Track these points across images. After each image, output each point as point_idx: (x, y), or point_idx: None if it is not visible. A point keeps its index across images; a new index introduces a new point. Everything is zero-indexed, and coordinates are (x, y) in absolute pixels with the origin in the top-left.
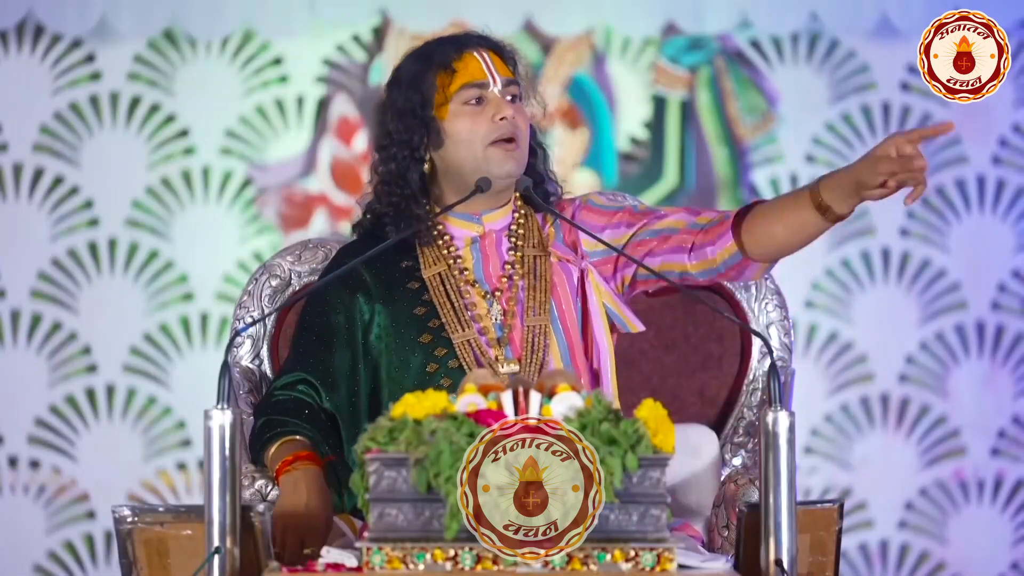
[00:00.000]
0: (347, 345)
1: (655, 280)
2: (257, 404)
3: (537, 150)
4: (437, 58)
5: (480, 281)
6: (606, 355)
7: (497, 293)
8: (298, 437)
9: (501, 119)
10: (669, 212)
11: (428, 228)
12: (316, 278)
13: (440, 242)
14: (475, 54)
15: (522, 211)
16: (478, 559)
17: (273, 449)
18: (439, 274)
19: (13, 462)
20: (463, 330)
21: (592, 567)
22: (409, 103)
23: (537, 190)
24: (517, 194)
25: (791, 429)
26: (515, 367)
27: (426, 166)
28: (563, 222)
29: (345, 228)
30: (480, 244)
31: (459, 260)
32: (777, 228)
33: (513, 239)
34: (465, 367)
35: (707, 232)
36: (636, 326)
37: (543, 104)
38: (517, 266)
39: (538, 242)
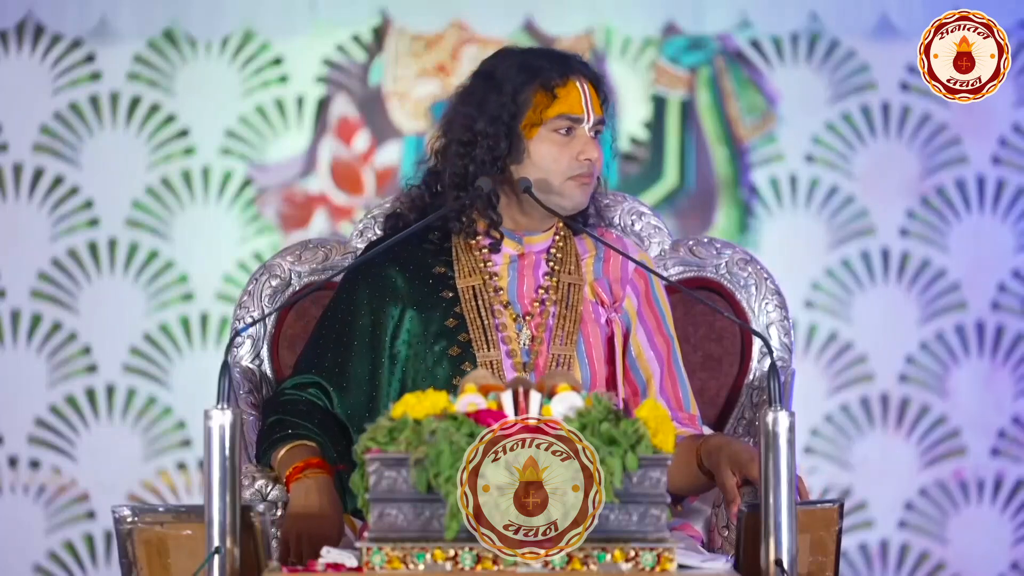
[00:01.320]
0: (369, 349)
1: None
2: (266, 400)
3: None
4: (541, 76)
5: (513, 303)
6: (618, 399)
7: (528, 317)
8: (308, 443)
9: (586, 159)
10: (667, 376)
11: (497, 240)
12: (316, 278)
13: (477, 254)
14: (578, 84)
15: (562, 233)
16: (478, 559)
17: (283, 452)
18: (473, 287)
19: (13, 462)
20: (488, 349)
21: (592, 567)
22: (502, 110)
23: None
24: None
25: (791, 429)
26: None
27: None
28: (607, 256)
29: (345, 228)
30: (518, 264)
31: (495, 277)
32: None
33: (551, 263)
34: None
35: None
36: (620, 391)
37: (615, 137)
38: (551, 291)
39: (574, 268)
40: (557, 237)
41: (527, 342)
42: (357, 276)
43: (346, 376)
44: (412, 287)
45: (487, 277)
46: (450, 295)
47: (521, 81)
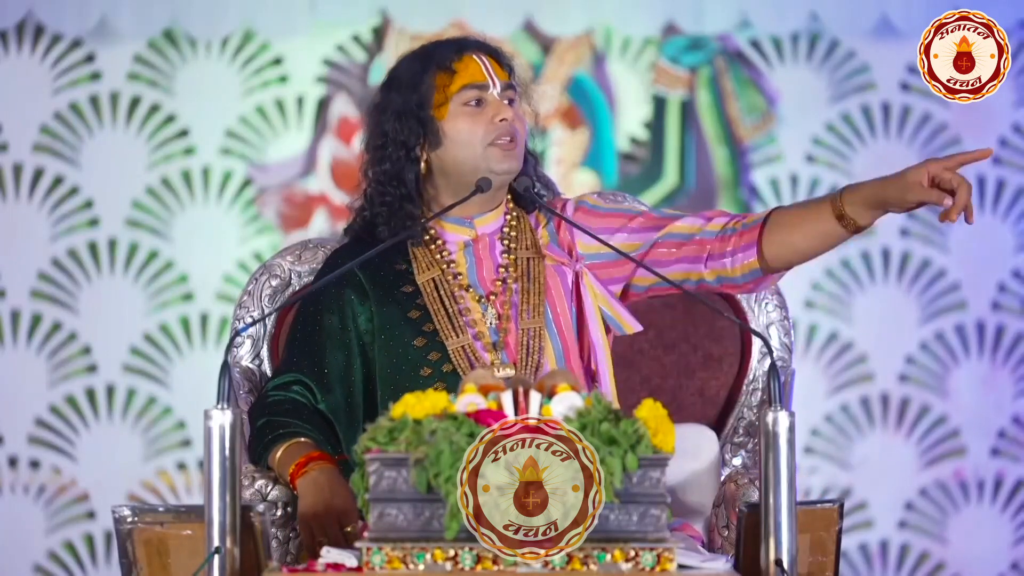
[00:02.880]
0: (341, 346)
1: (666, 288)
2: (252, 405)
3: (529, 157)
4: (436, 59)
5: (474, 286)
6: (603, 356)
7: (492, 297)
8: (304, 439)
9: (501, 120)
10: (677, 216)
11: (422, 230)
12: (315, 278)
13: (433, 246)
14: (474, 56)
15: (514, 212)
16: (478, 559)
17: (280, 452)
18: (433, 279)
19: (13, 462)
20: (457, 336)
21: (592, 567)
22: (407, 103)
23: (528, 194)
24: (509, 196)
25: (791, 429)
26: (511, 371)
27: (421, 166)
28: (557, 223)
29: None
30: (473, 248)
31: (452, 265)
32: (796, 237)
33: (506, 242)
34: (460, 372)
35: (723, 240)
36: (632, 327)
37: (535, 111)
38: (511, 269)
39: (531, 243)
40: (509, 216)
41: (493, 321)
42: (320, 278)
43: (325, 374)
44: (374, 285)
45: (445, 267)
46: (411, 289)
47: (418, 70)
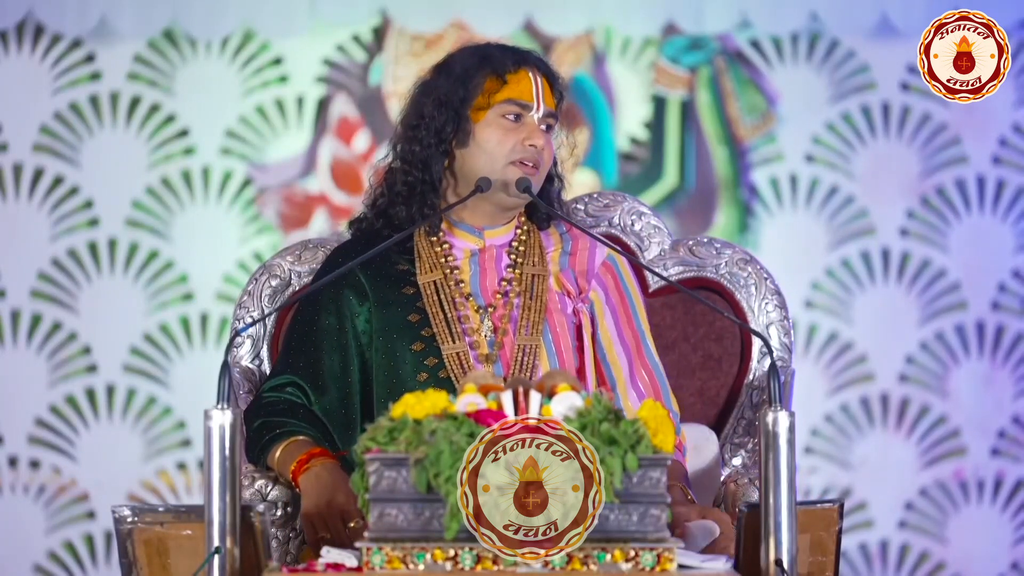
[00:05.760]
0: (337, 346)
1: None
2: (248, 407)
3: (555, 180)
4: (494, 62)
5: (475, 295)
6: (590, 386)
7: (491, 308)
8: (302, 437)
9: (531, 145)
10: (639, 380)
11: (435, 224)
12: (315, 278)
13: (439, 249)
14: (530, 73)
15: (525, 228)
16: (478, 559)
17: (280, 451)
18: (434, 282)
19: (13, 462)
20: (453, 342)
21: (592, 567)
22: (451, 94)
23: (543, 215)
24: (521, 210)
25: (791, 429)
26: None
27: (446, 160)
28: (573, 249)
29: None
30: (479, 257)
31: (456, 271)
32: None
33: (513, 256)
34: (453, 379)
35: None
36: None
37: (573, 144)
38: (514, 283)
39: (538, 260)
40: (519, 231)
41: (489, 333)
42: (321, 277)
43: (320, 375)
44: (375, 285)
45: (448, 271)
46: (412, 291)
47: (473, 66)
